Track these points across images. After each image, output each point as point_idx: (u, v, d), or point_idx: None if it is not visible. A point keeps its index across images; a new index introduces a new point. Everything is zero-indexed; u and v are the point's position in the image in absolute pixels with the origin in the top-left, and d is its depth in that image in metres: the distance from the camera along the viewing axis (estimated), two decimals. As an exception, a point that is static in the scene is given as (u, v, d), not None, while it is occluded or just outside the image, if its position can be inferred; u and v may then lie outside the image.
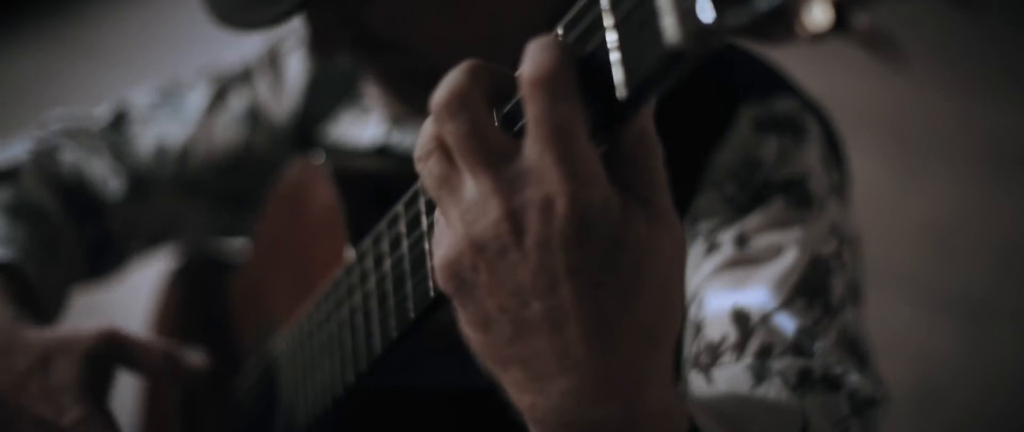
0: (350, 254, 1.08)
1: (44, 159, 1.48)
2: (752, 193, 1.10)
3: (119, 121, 1.56)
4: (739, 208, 1.10)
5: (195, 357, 1.21)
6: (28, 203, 1.40)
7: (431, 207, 0.87)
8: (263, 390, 1.27)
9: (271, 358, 1.26)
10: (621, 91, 0.68)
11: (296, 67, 1.53)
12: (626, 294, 0.70)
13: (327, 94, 1.48)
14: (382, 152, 1.35)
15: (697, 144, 1.12)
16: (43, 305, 1.30)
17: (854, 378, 1.02)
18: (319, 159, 1.21)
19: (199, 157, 1.53)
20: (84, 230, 1.47)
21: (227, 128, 1.53)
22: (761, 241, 1.08)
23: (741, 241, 1.08)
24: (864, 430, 1.02)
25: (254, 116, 1.53)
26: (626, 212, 0.70)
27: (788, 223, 1.09)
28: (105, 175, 1.50)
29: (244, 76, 1.55)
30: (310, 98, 1.50)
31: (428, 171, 0.75)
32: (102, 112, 1.57)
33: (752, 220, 1.09)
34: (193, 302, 1.58)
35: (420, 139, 0.75)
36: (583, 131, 0.69)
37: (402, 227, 0.93)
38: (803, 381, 1.00)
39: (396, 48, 1.14)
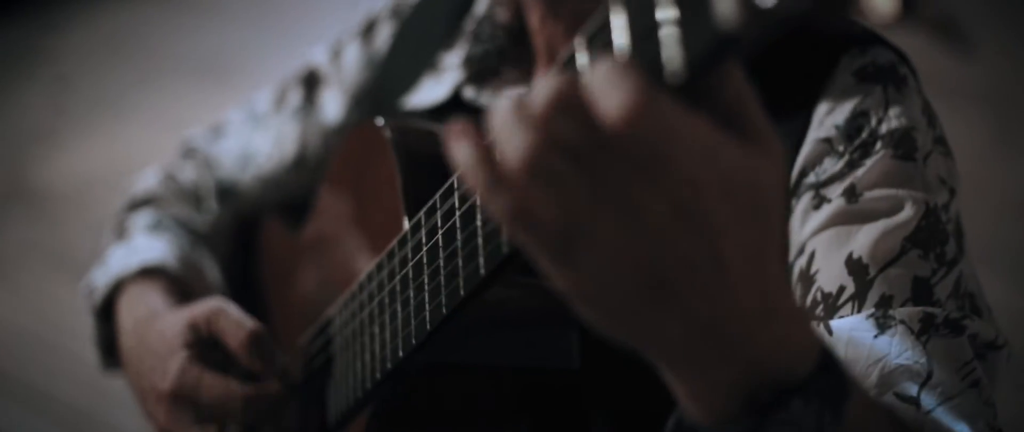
0: (406, 223, 1.07)
1: (173, 180, 1.63)
2: (860, 146, 1.08)
3: (216, 133, 1.66)
4: (847, 161, 1.08)
5: (280, 358, 1.24)
6: (166, 220, 1.56)
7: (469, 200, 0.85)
8: (319, 353, 1.27)
9: (327, 322, 1.25)
10: (676, 73, 0.65)
11: (351, 53, 1.54)
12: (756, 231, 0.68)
13: (405, 65, 1.47)
14: (454, 106, 1.34)
15: (801, 95, 1.11)
16: (195, 295, 1.41)
17: (975, 323, 1.02)
18: (381, 123, 1.18)
19: (273, 158, 1.58)
20: (212, 232, 1.59)
21: (291, 125, 1.57)
22: (872, 195, 1.06)
23: (851, 194, 1.07)
24: (987, 373, 1.02)
25: (319, 110, 1.56)
26: (747, 157, 0.67)
27: (898, 175, 1.07)
28: (211, 187, 1.61)
29: (305, 78, 1.58)
30: (374, 79, 1.51)
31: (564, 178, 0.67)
32: (207, 129, 1.69)
33: (861, 173, 1.07)
34: (256, 257, 1.59)
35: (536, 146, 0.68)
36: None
37: (455, 201, 0.91)
38: (926, 327, 1.00)
39: None
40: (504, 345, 1.08)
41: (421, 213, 0.98)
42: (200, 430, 1.24)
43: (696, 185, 0.65)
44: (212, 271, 1.53)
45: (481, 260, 0.87)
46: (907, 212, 1.06)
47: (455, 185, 0.90)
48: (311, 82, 1.58)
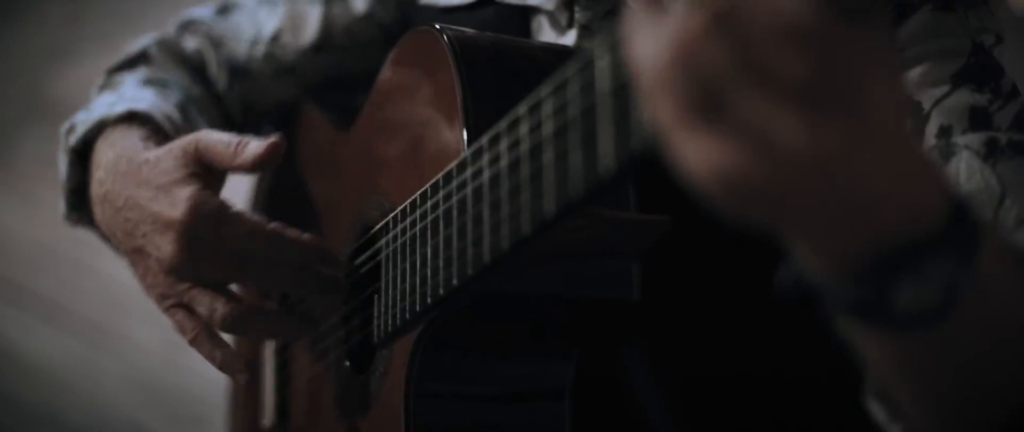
0: (466, 145, 1.04)
1: (169, 45, 1.55)
2: (898, 5, 1.06)
3: (225, 10, 1.58)
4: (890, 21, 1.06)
5: (261, 144, 1.22)
6: (159, 78, 1.48)
7: (560, 114, 0.81)
8: (365, 263, 1.23)
9: (373, 236, 1.21)
10: None
11: None
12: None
13: None
14: (484, 3, 1.31)
15: None
16: None
17: None
18: (439, 31, 1.14)
19: (288, 41, 1.53)
20: (215, 106, 1.52)
21: (312, 9, 1.52)
22: (918, 47, 1.04)
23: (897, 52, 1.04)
24: None
25: None
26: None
27: (941, 25, 1.05)
28: (216, 62, 1.54)
29: None
30: None
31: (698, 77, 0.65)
32: (211, 5, 1.61)
33: (903, 30, 1.05)
34: (298, 158, 1.54)
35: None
36: None
37: (524, 130, 0.87)
38: (991, 151, 0.98)
39: None
40: (563, 274, 1.06)
41: (484, 139, 0.94)
42: (212, 266, 1.21)
43: (850, 64, 0.62)
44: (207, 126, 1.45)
45: (551, 199, 0.83)
46: (954, 50, 1.04)
47: (524, 115, 0.87)
48: None
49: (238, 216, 1.21)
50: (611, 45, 0.75)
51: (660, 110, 0.66)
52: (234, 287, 1.31)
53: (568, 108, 0.80)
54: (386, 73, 1.29)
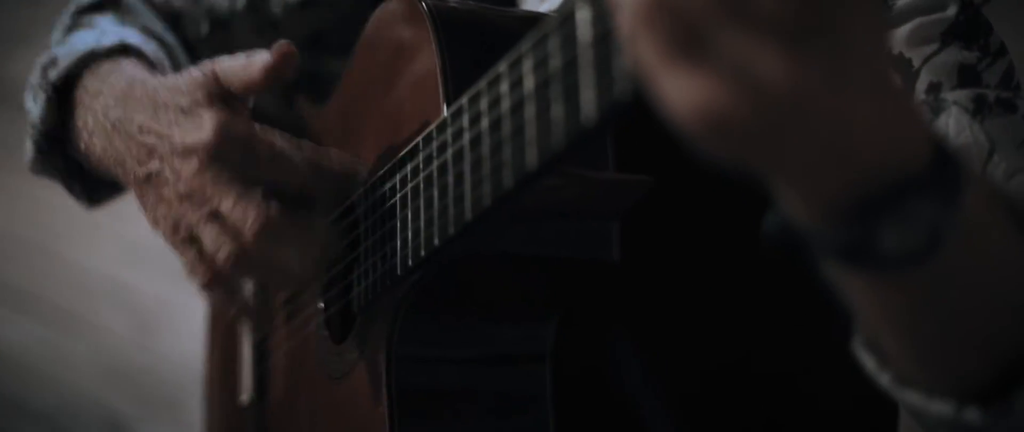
0: (445, 108, 1.03)
1: None
2: None
3: None
4: None
5: (266, 55, 1.17)
6: (134, 20, 1.43)
7: (540, 68, 0.81)
8: (342, 232, 1.22)
9: (352, 203, 1.21)
10: None
11: None
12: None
13: None
14: None
15: None
16: None
17: None
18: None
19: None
20: (189, 56, 1.48)
21: None
22: (906, 2, 1.05)
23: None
24: None
25: None
26: None
27: None
28: (192, 13, 1.50)
29: None
30: None
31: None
32: None
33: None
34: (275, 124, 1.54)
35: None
36: None
37: (504, 87, 0.87)
38: (980, 107, 0.99)
39: None
40: (543, 234, 1.06)
41: (464, 99, 0.94)
42: (243, 187, 1.14)
43: (825, 19, 0.62)
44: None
45: (533, 152, 0.83)
46: (943, 9, 1.05)
47: (504, 72, 0.87)
48: None
49: (271, 135, 1.16)
50: None
51: (642, 50, 0.66)
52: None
53: (549, 62, 0.81)
54: (365, 40, 1.28)
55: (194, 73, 1.20)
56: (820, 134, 0.65)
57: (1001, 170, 0.96)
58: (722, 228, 1.11)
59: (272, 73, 1.17)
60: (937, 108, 0.99)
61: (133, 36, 1.37)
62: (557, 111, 0.80)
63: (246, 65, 1.18)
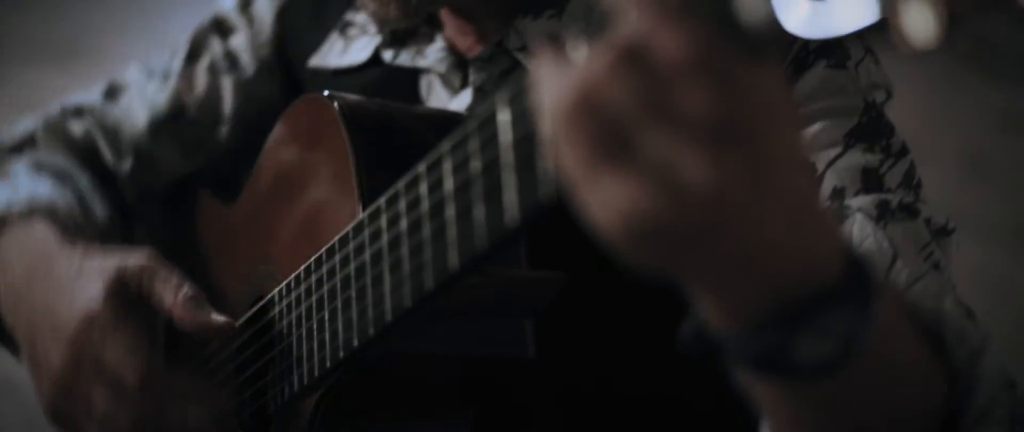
0: (361, 209, 1.04)
1: (55, 129, 1.50)
2: (793, 60, 1.09)
3: (113, 93, 1.54)
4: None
5: (219, 318, 1.17)
6: (49, 164, 1.44)
7: (461, 170, 0.81)
8: (255, 334, 1.21)
9: (267, 303, 1.20)
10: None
11: (262, 2, 1.48)
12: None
13: (303, 25, 1.43)
14: (374, 65, 1.31)
15: None
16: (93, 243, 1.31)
17: (927, 207, 1.03)
18: (329, 98, 1.14)
19: (187, 114, 1.50)
20: (104, 192, 1.48)
21: (206, 78, 1.49)
22: (812, 105, 1.07)
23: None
24: (944, 257, 1.02)
25: (231, 61, 1.49)
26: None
27: (833, 83, 1.08)
28: (110, 147, 1.50)
29: (216, 25, 1.51)
30: (283, 32, 1.46)
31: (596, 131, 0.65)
32: (97, 89, 1.56)
33: (798, 87, 1.07)
34: (184, 228, 1.52)
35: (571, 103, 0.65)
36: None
37: (423, 189, 0.87)
38: (883, 213, 1.00)
39: None
40: (458, 333, 1.06)
41: (382, 200, 0.94)
42: (130, 344, 1.16)
43: (753, 102, 0.63)
44: (100, 224, 1.42)
45: (454, 254, 0.83)
46: (847, 109, 1.07)
47: (423, 173, 0.87)
48: (224, 32, 1.50)
49: (130, 336, 1.16)
50: (512, 98, 0.76)
51: (565, 157, 0.66)
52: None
53: (470, 163, 0.81)
54: (275, 141, 1.28)
55: (112, 265, 1.20)
56: (741, 241, 0.66)
57: (903, 277, 0.97)
58: (638, 323, 1.12)
59: (206, 331, 1.17)
60: (841, 215, 1.01)
61: (44, 188, 1.37)
62: (479, 213, 0.80)
63: (176, 292, 1.18)
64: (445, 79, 1.26)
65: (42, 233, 1.31)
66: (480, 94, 1.21)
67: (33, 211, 1.34)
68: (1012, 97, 3.30)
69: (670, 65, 0.62)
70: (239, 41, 1.49)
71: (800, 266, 0.68)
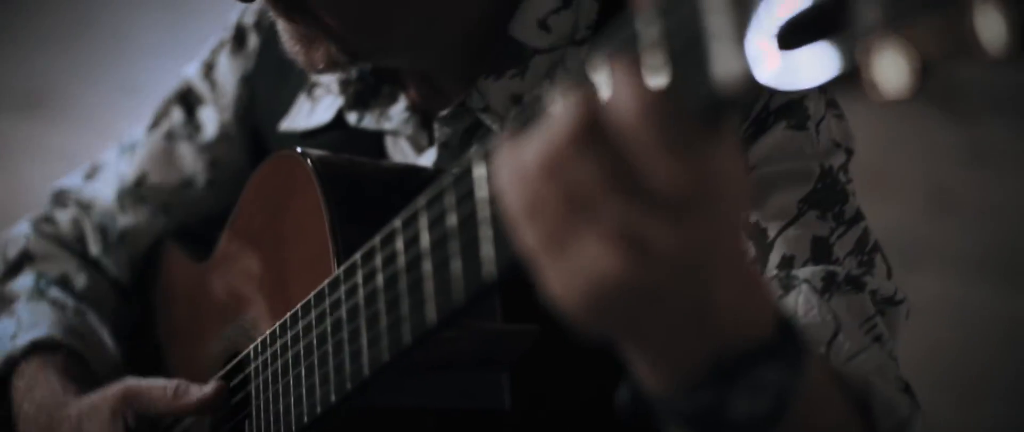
0: (336, 264, 1.03)
1: (46, 229, 1.55)
2: (754, 121, 1.09)
3: (92, 174, 1.58)
4: (743, 138, 1.08)
5: (205, 388, 1.20)
6: (47, 277, 1.48)
7: (438, 224, 0.82)
8: (236, 390, 1.21)
9: (243, 359, 1.19)
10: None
11: (224, 67, 1.48)
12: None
13: (269, 90, 1.43)
14: (337, 126, 1.31)
15: None
16: (92, 365, 1.39)
17: (875, 279, 1.04)
18: (301, 155, 1.14)
19: (153, 184, 1.52)
20: (100, 275, 1.53)
21: (163, 144, 1.52)
22: (769, 168, 1.07)
23: (748, 169, 1.07)
24: (889, 328, 1.03)
25: (192, 127, 1.50)
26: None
27: (791, 145, 1.08)
28: (94, 232, 1.54)
29: (180, 95, 1.52)
30: (250, 98, 1.47)
31: (551, 216, 0.67)
32: (80, 171, 1.61)
33: (757, 148, 1.08)
34: (158, 285, 1.53)
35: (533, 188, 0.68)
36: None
37: (399, 245, 0.87)
38: (828, 285, 1.01)
39: (305, 13, 1.11)
40: (435, 387, 1.05)
41: (358, 256, 0.94)
42: None
43: (710, 170, 0.65)
44: (102, 333, 1.46)
45: (432, 307, 0.84)
46: (802, 177, 1.07)
47: (399, 228, 0.87)
48: (189, 100, 1.51)
49: None
50: (487, 153, 0.76)
51: (528, 229, 0.68)
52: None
53: (446, 217, 0.81)
54: (247, 197, 1.28)
55: (104, 408, 1.26)
56: (693, 300, 0.68)
57: (844, 350, 0.99)
58: (611, 373, 1.12)
59: (205, 406, 1.21)
60: (788, 285, 1.02)
61: (45, 320, 1.41)
62: (456, 266, 0.80)
63: (171, 393, 1.22)
64: (411, 139, 1.26)
65: (50, 380, 1.35)
66: (445, 150, 1.21)
67: (36, 349, 1.38)
68: (975, 131, 3.33)
69: (632, 138, 0.64)
70: (203, 108, 1.50)
71: (739, 325, 0.71)
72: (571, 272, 0.67)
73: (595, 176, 0.65)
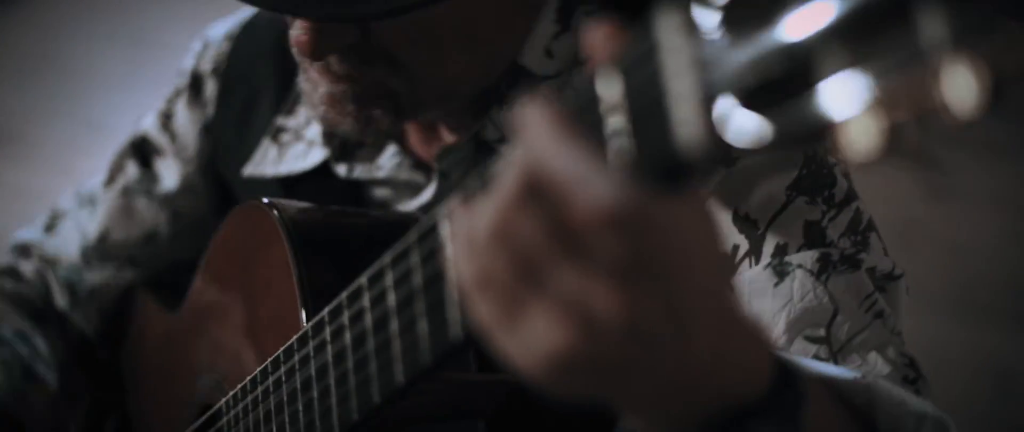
0: (304, 318, 1.02)
1: (4, 280, 1.52)
2: None
3: (52, 226, 1.56)
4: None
5: None
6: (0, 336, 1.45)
7: (403, 283, 0.80)
8: None
9: (213, 415, 1.17)
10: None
11: (183, 118, 1.46)
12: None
13: (231, 137, 1.41)
14: (324, 174, 1.29)
15: None
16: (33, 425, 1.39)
17: (871, 256, 1.02)
18: (268, 206, 1.12)
19: (117, 240, 1.50)
20: (59, 337, 1.50)
21: (121, 201, 1.50)
22: (752, 160, 1.05)
23: (728, 161, 1.05)
24: (890, 304, 1.01)
25: (148, 180, 1.49)
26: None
27: None
28: (58, 284, 1.52)
29: (134, 147, 1.51)
30: (212, 147, 1.45)
31: (503, 282, 0.65)
32: (40, 221, 1.58)
33: None
34: (129, 335, 1.51)
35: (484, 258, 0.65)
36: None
37: (366, 302, 0.85)
38: (824, 267, 1.00)
39: (394, 64, 1.08)
40: None
41: (325, 312, 0.92)
42: None
43: (665, 238, 0.62)
44: (43, 397, 1.44)
45: (400, 368, 0.82)
46: (786, 164, 1.05)
47: (365, 286, 0.86)
48: (144, 152, 1.50)
49: None
50: (450, 212, 0.74)
51: (479, 300, 0.66)
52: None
53: (412, 276, 0.79)
54: (214, 250, 1.26)
55: None
56: (660, 370, 0.65)
57: (844, 331, 0.97)
58: (588, 422, 1.11)
59: None
60: (782, 272, 1.00)
61: None
62: (422, 327, 0.78)
63: None
64: (405, 184, 1.24)
65: None
66: (445, 180, 1.20)
67: None
68: (940, 166, 3.34)
69: (575, 200, 0.61)
70: (162, 160, 1.48)
71: (725, 385, 0.69)
72: (525, 346, 0.65)
73: (539, 241, 0.62)
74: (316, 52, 1.06)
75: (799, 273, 1.00)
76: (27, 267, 1.54)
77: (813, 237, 1.02)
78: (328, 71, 1.09)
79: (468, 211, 0.67)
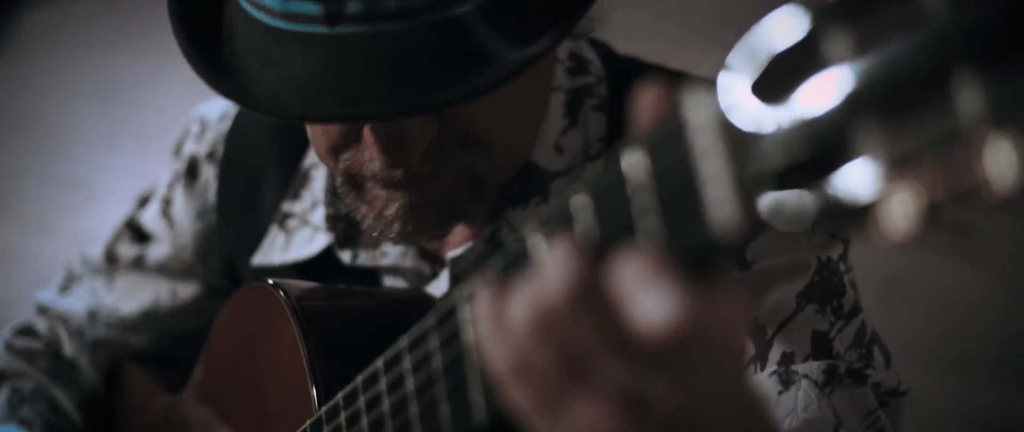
0: (316, 402, 0.99)
1: (17, 339, 1.50)
2: None
3: (66, 286, 1.54)
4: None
5: None
6: (20, 393, 1.44)
7: (422, 367, 0.78)
8: None
9: None
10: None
11: (180, 204, 1.43)
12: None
13: (237, 224, 1.38)
14: (328, 260, 1.26)
15: None
16: None
17: (877, 372, 1.02)
18: (274, 287, 1.10)
19: (120, 316, 1.48)
20: (76, 390, 1.48)
21: (129, 282, 1.48)
22: (766, 263, 1.05)
23: (742, 264, 1.05)
24: (892, 421, 1.01)
25: (150, 262, 1.47)
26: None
27: (786, 239, 1.06)
28: (69, 337, 1.50)
29: (132, 228, 1.49)
30: (206, 232, 1.41)
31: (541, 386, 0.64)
32: (55, 282, 1.56)
33: (754, 243, 1.05)
34: (133, 417, 1.48)
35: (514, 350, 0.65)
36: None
37: (383, 386, 0.84)
38: (829, 379, 0.99)
39: (474, 145, 1.03)
40: None
41: (340, 397, 0.90)
42: None
43: (704, 325, 0.61)
44: None
45: None
46: (799, 271, 1.05)
47: (382, 370, 0.84)
48: (140, 237, 1.47)
49: None
50: (470, 297, 0.73)
51: (522, 389, 0.65)
52: None
53: (432, 360, 0.78)
54: (220, 330, 1.23)
55: None
56: None
57: None
58: None
59: None
60: (788, 381, 1.00)
61: None
62: (444, 411, 0.77)
63: None
64: (412, 272, 1.21)
65: None
66: (458, 283, 1.18)
67: None
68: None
69: (627, 296, 0.61)
70: (157, 245, 1.45)
71: None
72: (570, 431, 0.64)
73: (591, 337, 0.62)
74: (412, 157, 1.00)
75: (804, 383, 1.00)
76: (41, 323, 1.52)
77: (820, 348, 1.02)
78: (405, 182, 1.03)
79: (495, 297, 0.66)
